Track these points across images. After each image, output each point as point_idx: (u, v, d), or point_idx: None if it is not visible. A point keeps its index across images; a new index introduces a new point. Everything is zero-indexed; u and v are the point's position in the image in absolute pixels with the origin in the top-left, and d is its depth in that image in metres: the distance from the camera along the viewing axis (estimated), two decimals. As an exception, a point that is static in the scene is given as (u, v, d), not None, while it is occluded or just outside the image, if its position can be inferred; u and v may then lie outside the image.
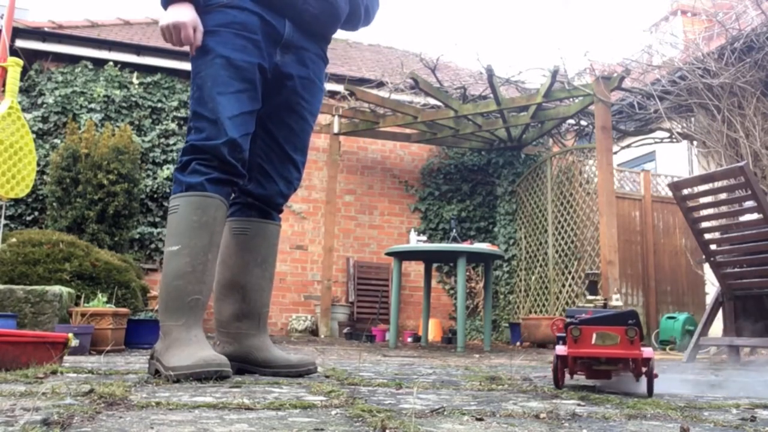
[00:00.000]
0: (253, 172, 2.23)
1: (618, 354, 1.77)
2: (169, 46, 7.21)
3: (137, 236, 7.24)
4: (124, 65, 7.74)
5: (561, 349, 1.85)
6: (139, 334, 3.96)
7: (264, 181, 2.25)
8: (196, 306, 1.94)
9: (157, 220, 7.43)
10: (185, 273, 1.94)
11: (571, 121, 7.90)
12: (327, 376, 2.14)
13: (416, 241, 6.02)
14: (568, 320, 1.87)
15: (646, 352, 1.78)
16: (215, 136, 2.00)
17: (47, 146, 7.21)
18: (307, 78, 2.25)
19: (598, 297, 1.96)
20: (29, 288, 3.47)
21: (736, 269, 4.11)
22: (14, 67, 3.40)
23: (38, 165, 6.60)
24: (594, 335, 1.78)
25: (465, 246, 5.45)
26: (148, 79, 7.77)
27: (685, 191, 4.14)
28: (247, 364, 2.16)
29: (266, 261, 2.25)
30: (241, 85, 2.05)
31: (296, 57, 2.21)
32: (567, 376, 1.96)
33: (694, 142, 7.11)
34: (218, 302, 2.23)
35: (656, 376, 1.83)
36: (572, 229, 7.21)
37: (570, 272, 7.17)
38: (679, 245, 7.34)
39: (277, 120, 2.24)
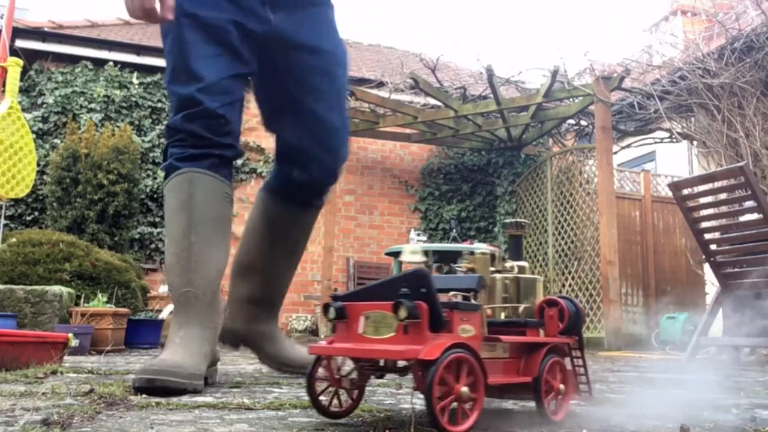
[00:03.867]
0: (292, 156, 2.00)
1: (381, 353, 1.04)
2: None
3: (137, 236, 7.24)
4: (124, 65, 7.74)
5: (318, 346, 1.14)
6: (139, 334, 3.96)
7: (308, 163, 1.97)
8: (186, 301, 1.72)
9: (157, 220, 7.43)
10: (171, 266, 1.76)
11: (571, 121, 7.90)
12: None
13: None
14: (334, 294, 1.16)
15: (432, 347, 0.98)
16: (187, 111, 1.78)
17: (47, 146, 7.21)
18: (314, 27, 1.95)
19: (522, 263, 1.32)
20: (29, 288, 3.47)
21: (736, 269, 4.11)
22: (14, 67, 3.40)
23: (38, 165, 6.59)
24: (361, 319, 1.07)
25: (465, 246, 5.45)
26: (148, 79, 7.77)
27: (685, 191, 4.13)
28: (249, 347, 2.11)
29: (295, 251, 2.10)
30: (214, 48, 1.80)
31: (290, 11, 1.91)
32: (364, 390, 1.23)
33: (694, 142, 7.11)
34: (235, 278, 2.08)
35: (557, 394, 1.21)
36: (572, 229, 7.20)
37: (570, 272, 7.17)
38: (679, 245, 7.34)
39: (297, 86, 1.95)
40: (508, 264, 1.33)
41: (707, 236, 4.12)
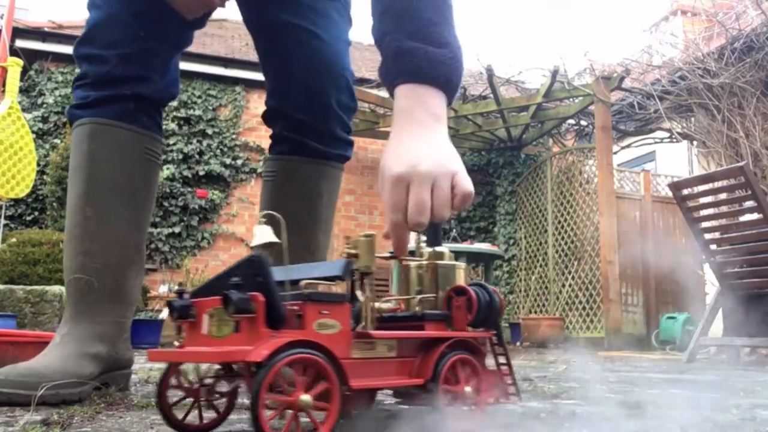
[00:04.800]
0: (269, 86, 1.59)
1: (211, 356, 0.89)
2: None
3: (137, 236, 7.24)
4: (124, 65, 7.73)
5: (153, 351, 0.98)
6: (139, 334, 3.96)
7: (280, 90, 1.56)
8: (77, 290, 1.40)
9: (157, 220, 7.43)
10: (65, 246, 1.42)
11: (571, 121, 7.91)
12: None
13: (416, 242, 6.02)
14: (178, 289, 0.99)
15: (263, 347, 0.82)
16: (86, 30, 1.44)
17: (47, 146, 7.21)
18: None
19: (441, 249, 1.13)
20: (29, 288, 3.47)
21: (736, 269, 4.11)
22: (14, 67, 3.41)
23: (38, 165, 6.59)
24: (205, 317, 0.93)
25: (465, 246, 5.45)
26: (148, 79, 7.77)
27: (685, 191, 4.13)
28: None
29: (303, 223, 1.52)
30: None
31: None
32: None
33: (694, 142, 7.11)
34: None
35: (463, 399, 1.02)
36: (572, 229, 7.20)
37: (570, 272, 7.17)
38: (679, 245, 7.33)
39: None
40: (425, 250, 1.16)
41: (707, 236, 4.12)
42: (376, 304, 1.06)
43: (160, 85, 1.46)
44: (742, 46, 6.05)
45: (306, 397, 0.83)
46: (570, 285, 7.14)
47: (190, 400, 1.02)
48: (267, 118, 1.61)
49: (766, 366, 3.82)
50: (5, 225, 6.29)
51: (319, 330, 0.90)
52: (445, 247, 1.17)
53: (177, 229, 7.54)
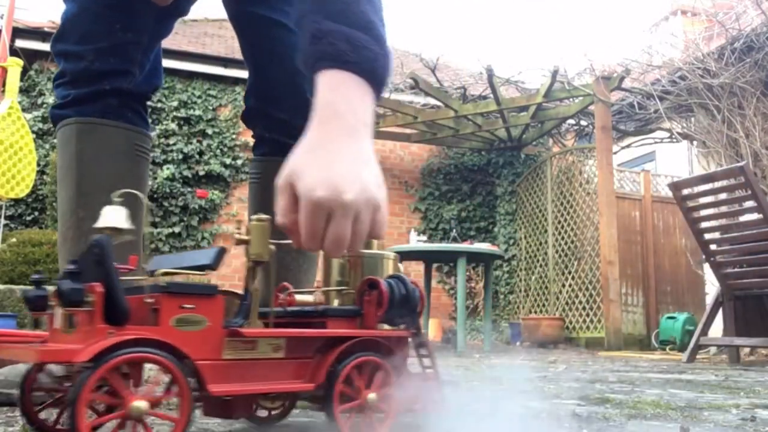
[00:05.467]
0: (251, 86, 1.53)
1: (42, 354, 0.77)
2: (168, 45, 7.21)
3: (137, 236, 7.24)
4: (124, 65, 7.73)
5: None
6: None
7: (260, 89, 1.52)
8: None
9: (157, 220, 7.43)
10: (60, 247, 1.40)
11: (571, 121, 7.91)
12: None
13: (416, 241, 6.02)
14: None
15: (92, 346, 0.72)
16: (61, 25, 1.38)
17: (47, 146, 7.21)
18: None
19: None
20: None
21: (736, 269, 4.11)
22: (14, 67, 3.41)
23: (38, 165, 6.60)
24: (57, 310, 0.83)
25: (465, 246, 5.45)
26: (148, 79, 7.77)
27: (685, 191, 4.14)
28: None
29: None
30: None
31: None
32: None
33: (694, 142, 7.11)
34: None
35: (365, 407, 0.91)
36: (572, 229, 7.21)
37: (570, 272, 7.17)
38: (679, 245, 7.34)
39: None
40: None
41: (707, 236, 4.12)
42: (299, 297, 0.97)
43: (141, 77, 1.40)
44: (742, 46, 6.05)
45: (140, 404, 0.73)
46: (570, 285, 7.14)
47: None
48: (247, 118, 1.55)
49: (766, 366, 3.82)
50: (5, 225, 6.29)
51: (178, 326, 0.79)
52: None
53: (177, 229, 7.54)
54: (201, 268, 0.85)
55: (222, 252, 0.85)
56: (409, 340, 1.00)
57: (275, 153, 1.47)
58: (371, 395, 0.91)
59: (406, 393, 0.95)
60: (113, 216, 0.85)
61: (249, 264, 0.87)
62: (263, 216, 0.87)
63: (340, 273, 1.03)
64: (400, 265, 1.06)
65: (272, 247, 0.89)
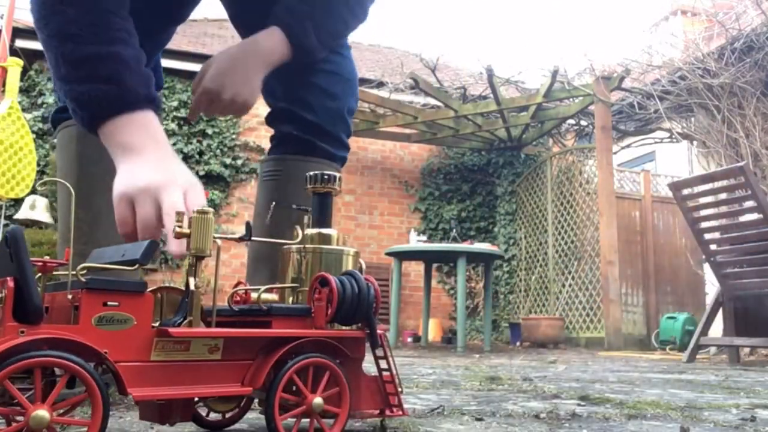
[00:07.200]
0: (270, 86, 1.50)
1: None
2: (168, 45, 7.21)
3: (137, 236, 7.24)
4: (124, 65, 7.73)
5: None
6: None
7: (295, 93, 1.50)
8: None
9: (157, 220, 7.44)
10: (59, 249, 1.47)
11: (571, 121, 7.91)
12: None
13: (416, 241, 6.02)
14: None
15: None
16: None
17: (47, 146, 7.21)
18: None
19: (328, 231, 0.99)
20: None
21: (736, 269, 4.11)
22: (14, 67, 3.40)
23: (38, 165, 6.60)
24: None
25: (465, 246, 5.45)
26: (148, 79, 7.77)
27: (685, 191, 4.14)
28: None
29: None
30: None
31: None
32: None
33: (694, 142, 7.11)
34: (249, 275, 1.56)
35: (309, 413, 0.87)
36: (572, 229, 7.21)
37: (570, 272, 7.17)
38: (679, 245, 7.34)
39: None
40: (309, 231, 0.98)
41: (707, 236, 4.12)
42: (256, 295, 0.90)
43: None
44: (742, 46, 6.05)
45: (41, 413, 0.67)
46: (570, 285, 7.14)
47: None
48: (275, 119, 1.56)
49: (766, 366, 3.82)
50: (5, 225, 6.29)
51: (99, 325, 0.73)
52: (333, 230, 1.00)
53: (177, 229, 7.54)
54: (129, 263, 0.79)
55: (152, 246, 0.80)
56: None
57: (301, 152, 1.51)
58: (317, 400, 0.86)
59: (359, 397, 0.91)
60: (32, 207, 0.82)
61: (190, 259, 0.82)
62: (206, 209, 0.83)
63: (295, 270, 0.97)
64: (361, 261, 1.01)
65: (219, 242, 0.85)
